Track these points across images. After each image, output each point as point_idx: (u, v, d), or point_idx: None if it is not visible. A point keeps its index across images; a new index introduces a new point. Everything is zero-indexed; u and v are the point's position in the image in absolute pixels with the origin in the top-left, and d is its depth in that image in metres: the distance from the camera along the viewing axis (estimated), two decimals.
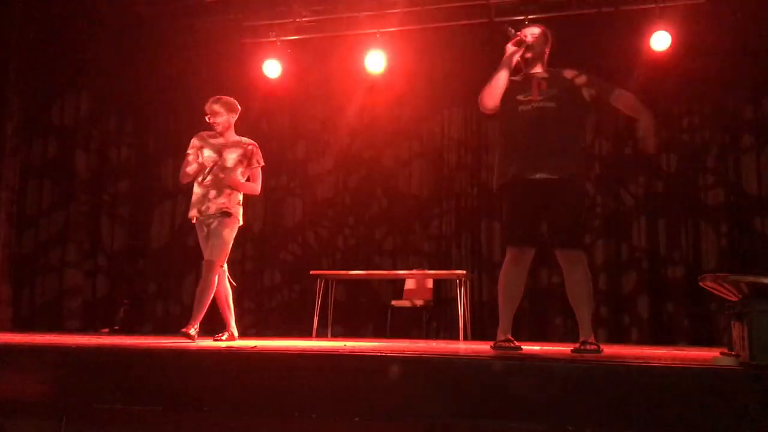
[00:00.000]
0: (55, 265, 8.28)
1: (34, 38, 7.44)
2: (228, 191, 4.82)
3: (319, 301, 7.10)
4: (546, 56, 3.99)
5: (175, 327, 4.91)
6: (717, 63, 7.13)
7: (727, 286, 2.74)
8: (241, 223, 4.91)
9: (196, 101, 5.01)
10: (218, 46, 8.01)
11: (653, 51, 6.94)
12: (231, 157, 4.87)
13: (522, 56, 3.90)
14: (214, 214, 4.78)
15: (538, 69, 3.93)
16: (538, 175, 3.64)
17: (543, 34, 3.99)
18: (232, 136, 4.96)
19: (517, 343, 3.79)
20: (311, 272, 7.28)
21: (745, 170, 7.26)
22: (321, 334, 7.11)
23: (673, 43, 6.85)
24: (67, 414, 2.89)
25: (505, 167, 3.78)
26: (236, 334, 4.95)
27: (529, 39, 3.92)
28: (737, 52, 7.03)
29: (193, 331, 4.59)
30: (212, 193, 4.81)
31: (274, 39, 7.73)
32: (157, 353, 3.31)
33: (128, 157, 8.35)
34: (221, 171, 4.84)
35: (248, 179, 5.04)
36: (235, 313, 5.01)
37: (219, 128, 4.89)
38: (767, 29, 6.85)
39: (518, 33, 3.94)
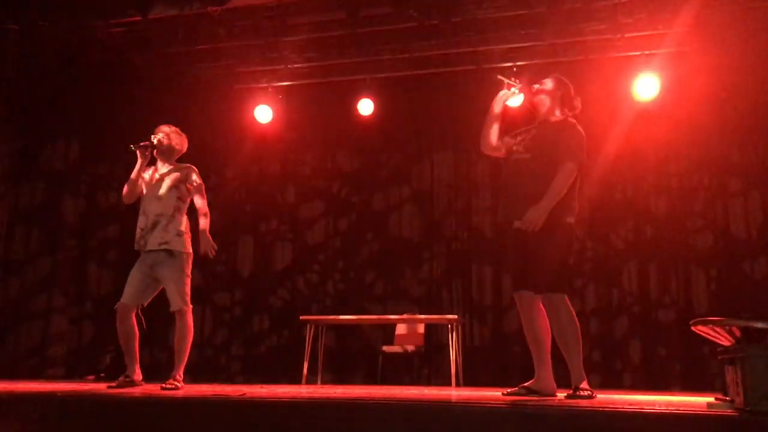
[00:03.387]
0: (41, 311, 8.17)
1: (25, 82, 7.47)
2: (164, 224, 4.61)
3: (308, 346, 7.01)
4: (552, 107, 4.03)
5: (163, 373, 4.81)
6: (703, 108, 7.23)
7: (719, 330, 2.73)
8: (190, 252, 4.68)
9: (188, 148, 5.00)
10: (210, 92, 8.07)
11: (640, 97, 7.04)
12: (164, 184, 4.71)
13: (530, 105, 4.06)
14: (154, 250, 4.59)
15: (543, 119, 4.03)
16: (515, 224, 3.79)
17: (553, 84, 4.06)
18: (171, 165, 4.82)
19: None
20: (301, 317, 7.21)
21: (733, 214, 7.31)
22: (311, 381, 7.00)
23: (660, 89, 6.95)
24: None
25: (497, 213, 3.99)
26: (139, 380, 4.61)
27: (517, 89, 4.06)
28: (723, 97, 7.15)
29: (171, 383, 4.47)
30: (148, 225, 4.63)
31: (266, 85, 7.80)
32: (144, 401, 3.25)
33: (117, 203, 8.32)
34: (154, 202, 4.67)
35: (191, 205, 4.81)
36: (138, 358, 4.68)
37: (162, 151, 4.74)
38: (752, 75, 6.98)
39: (508, 82, 4.08)
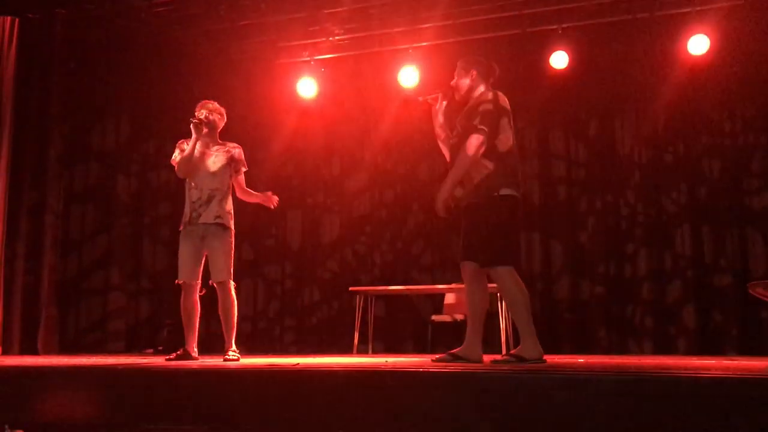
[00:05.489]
0: (99, 287, 8.42)
1: (74, 66, 7.63)
2: (219, 198, 4.70)
3: (358, 317, 7.08)
4: (473, 84, 4.06)
5: (218, 346, 4.94)
6: (757, 65, 6.98)
7: None
8: (234, 230, 4.79)
9: (233, 123, 5.05)
10: (254, 67, 8.12)
11: (691, 55, 6.83)
12: (217, 161, 4.78)
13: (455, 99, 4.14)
14: (206, 224, 4.65)
15: (467, 103, 4.08)
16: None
17: (462, 67, 4.10)
18: (217, 142, 4.89)
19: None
20: (350, 288, 7.28)
21: None
22: (362, 351, 7.09)
23: (711, 46, 6.73)
24: None
25: None
26: (196, 353, 4.74)
27: (440, 95, 4.16)
28: None
29: (233, 354, 4.60)
30: (203, 199, 4.69)
31: (308, 58, 7.81)
32: (201, 373, 3.34)
33: (168, 179, 8.48)
34: (208, 177, 4.73)
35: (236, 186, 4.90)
36: (198, 333, 4.83)
37: (215, 127, 4.81)
38: None
39: (426, 98, 4.20)
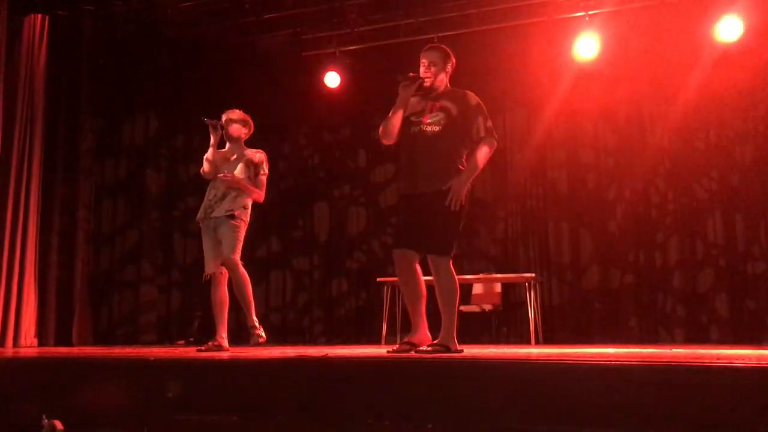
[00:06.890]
0: (131, 280, 8.55)
1: (103, 61, 7.72)
2: (233, 195, 4.82)
3: (386, 308, 7.10)
4: (446, 76, 4.12)
5: (247, 336, 5.00)
6: None
7: None
8: (247, 222, 4.86)
9: (260, 117, 5.09)
10: (279, 60, 8.15)
11: (722, 40, 6.71)
12: (238, 163, 4.92)
13: (421, 84, 4.08)
14: (217, 217, 4.78)
15: (437, 91, 4.08)
16: (417, 191, 3.95)
17: (441, 56, 4.12)
18: (241, 147, 5.01)
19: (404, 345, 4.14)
20: (378, 279, 7.30)
21: None
22: (390, 341, 7.10)
23: (743, 30, 6.60)
24: (148, 425, 2.97)
25: (399, 182, 4.18)
26: (226, 344, 4.80)
27: (423, 74, 4.12)
28: None
29: (257, 330, 4.68)
30: (218, 196, 4.85)
31: (333, 50, 7.82)
32: (231, 363, 3.38)
33: (196, 173, 8.55)
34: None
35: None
36: (228, 324, 4.91)
37: (233, 136, 4.94)
38: None
39: (411, 75, 4.14)
